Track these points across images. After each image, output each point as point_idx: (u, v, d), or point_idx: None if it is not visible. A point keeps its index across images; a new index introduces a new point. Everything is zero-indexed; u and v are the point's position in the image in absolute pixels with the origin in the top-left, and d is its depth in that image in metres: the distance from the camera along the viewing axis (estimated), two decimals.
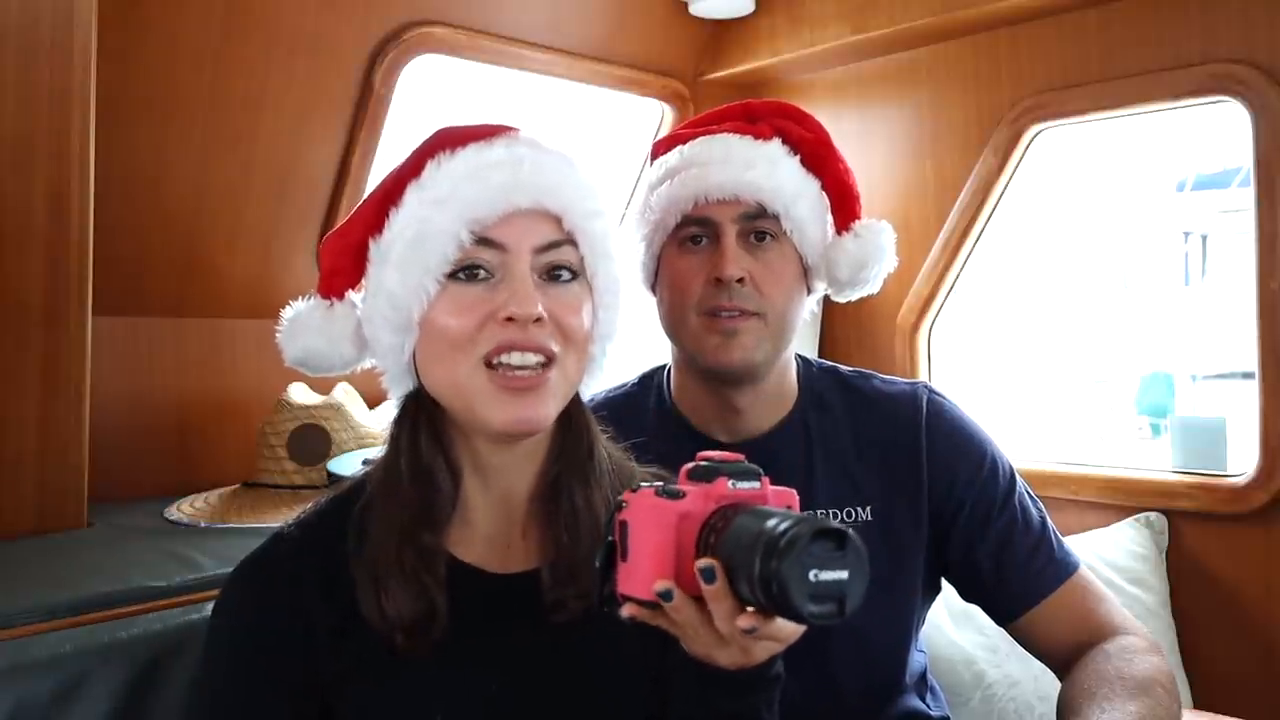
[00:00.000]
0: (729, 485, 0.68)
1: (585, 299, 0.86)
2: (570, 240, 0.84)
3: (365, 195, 0.91)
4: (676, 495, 0.67)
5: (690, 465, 0.69)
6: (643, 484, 0.70)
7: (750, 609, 0.65)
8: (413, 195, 0.84)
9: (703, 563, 0.65)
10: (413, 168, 0.86)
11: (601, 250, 0.86)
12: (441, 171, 0.84)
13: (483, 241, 0.81)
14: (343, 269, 0.88)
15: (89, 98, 1.38)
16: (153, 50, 1.59)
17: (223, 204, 1.76)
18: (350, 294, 0.89)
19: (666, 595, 0.66)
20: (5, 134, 1.32)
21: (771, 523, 0.62)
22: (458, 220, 0.81)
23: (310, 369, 0.90)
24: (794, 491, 0.71)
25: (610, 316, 0.90)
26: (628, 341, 0.94)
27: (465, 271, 0.82)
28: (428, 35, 1.87)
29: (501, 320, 0.80)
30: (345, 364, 0.90)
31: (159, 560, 1.24)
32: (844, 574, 0.60)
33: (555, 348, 0.81)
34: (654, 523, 0.67)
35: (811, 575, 0.59)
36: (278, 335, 0.89)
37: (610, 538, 0.72)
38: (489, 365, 0.80)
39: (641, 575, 0.67)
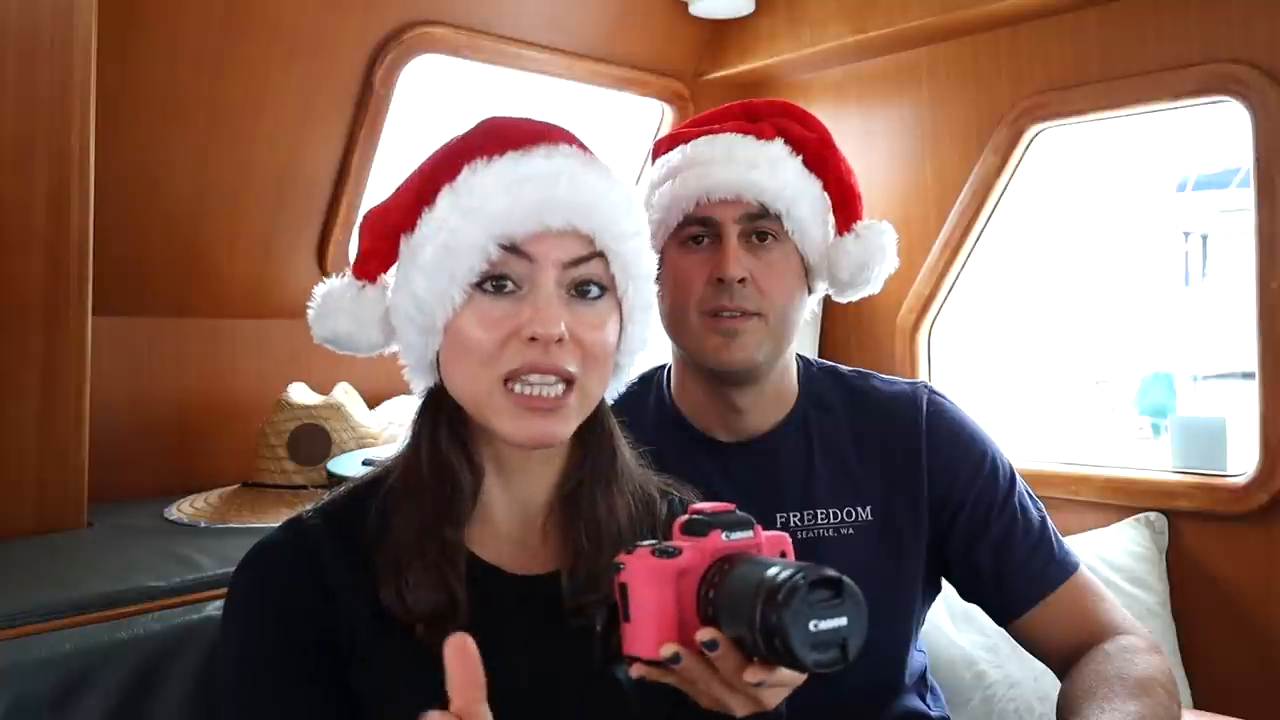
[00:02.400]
0: (723, 537, 0.68)
1: (611, 315, 0.84)
2: (600, 255, 0.83)
3: (410, 172, 0.88)
4: (672, 553, 0.68)
5: (684, 518, 0.70)
6: (639, 544, 0.70)
7: (756, 660, 0.66)
8: (446, 199, 0.83)
9: (704, 635, 0.65)
10: (450, 167, 0.84)
11: (635, 270, 0.85)
12: (476, 179, 0.82)
13: (510, 250, 0.80)
14: (379, 252, 0.87)
15: (89, 98, 1.38)
16: (153, 50, 1.59)
17: (223, 204, 1.76)
18: (383, 277, 0.88)
19: (674, 659, 0.67)
20: (5, 134, 1.32)
21: (769, 575, 0.62)
22: (486, 234, 0.79)
23: (338, 348, 0.89)
24: (786, 536, 0.71)
25: (639, 331, 0.88)
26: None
27: (492, 282, 0.81)
28: (428, 35, 1.87)
29: (525, 339, 0.79)
30: (372, 347, 0.89)
31: (159, 560, 1.24)
32: (843, 620, 0.60)
33: (575, 369, 0.80)
34: (654, 583, 0.68)
35: (812, 625, 0.59)
36: (309, 312, 0.89)
37: (611, 600, 0.73)
38: (508, 382, 0.80)
39: (646, 636, 0.68)
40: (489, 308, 0.81)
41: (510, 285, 0.81)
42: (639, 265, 0.85)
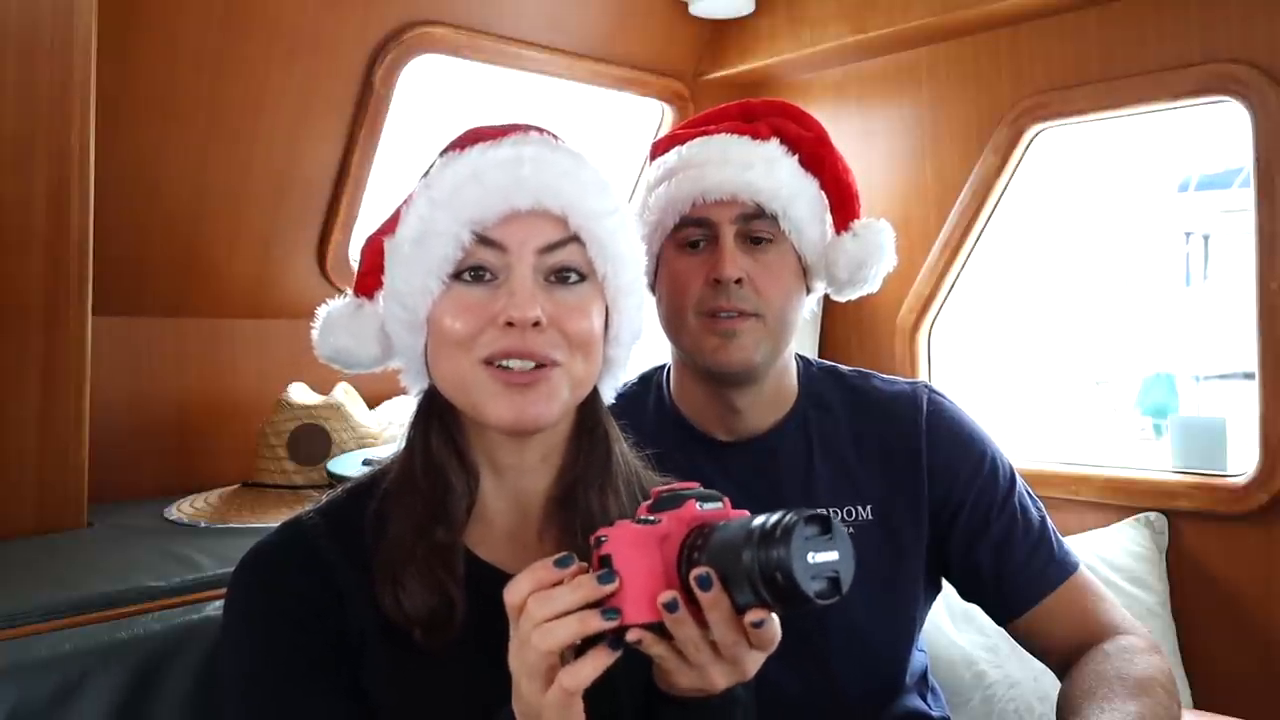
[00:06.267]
0: (698, 507, 0.71)
1: (594, 301, 0.85)
2: (576, 239, 0.83)
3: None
4: (652, 522, 0.70)
5: (650, 501, 0.72)
6: (617, 521, 0.72)
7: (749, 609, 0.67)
8: (421, 195, 0.85)
9: (699, 570, 0.66)
10: (428, 168, 0.87)
11: (612, 251, 0.85)
12: (446, 171, 0.84)
13: (484, 242, 0.81)
14: (374, 268, 0.89)
15: (89, 98, 1.38)
16: (153, 50, 1.59)
17: (223, 204, 1.76)
18: (380, 294, 0.90)
19: (672, 605, 0.67)
20: (5, 134, 1.32)
21: (758, 523, 0.64)
22: (458, 221, 0.81)
23: (341, 366, 0.91)
24: (747, 514, 0.73)
25: (625, 319, 0.88)
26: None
27: (470, 272, 0.82)
28: (428, 35, 1.87)
29: (501, 324, 0.80)
30: (373, 362, 0.91)
31: (159, 560, 1.24)
32: (835, 555, 0.63)
33: (557, 355, 0.81)
34: (639, 547, 0.69)
35: (810, 557, 0.62)
36: (313, 332, 0.91)
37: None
38: (489, 364, 0.81)
39: (640, 598, 0.69)
40: (464, 295, 0.82)
41: (487, 275, 0.82)
42: (615, 246, 0.85)
